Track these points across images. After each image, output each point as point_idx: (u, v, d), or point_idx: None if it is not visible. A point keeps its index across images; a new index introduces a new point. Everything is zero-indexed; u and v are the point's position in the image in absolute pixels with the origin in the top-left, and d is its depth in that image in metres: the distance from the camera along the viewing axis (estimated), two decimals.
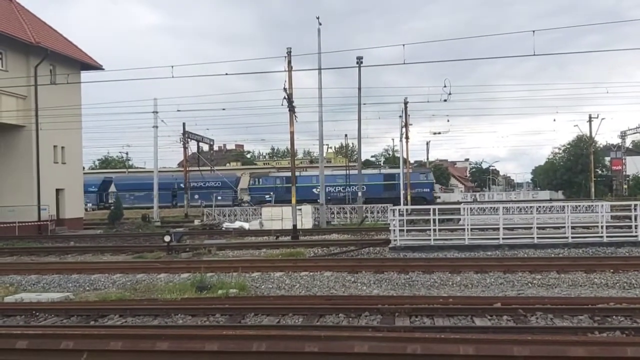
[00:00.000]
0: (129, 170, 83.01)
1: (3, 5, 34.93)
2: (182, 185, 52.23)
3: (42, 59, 33.55)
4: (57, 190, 35.73)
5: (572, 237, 18.74)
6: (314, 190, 47.80)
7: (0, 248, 24.75)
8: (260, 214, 34.71)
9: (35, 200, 33.23)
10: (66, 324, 9.77)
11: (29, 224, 32.35)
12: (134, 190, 57.65)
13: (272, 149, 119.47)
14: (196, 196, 53.57)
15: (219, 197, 51.74)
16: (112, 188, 62.06)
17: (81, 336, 7.27)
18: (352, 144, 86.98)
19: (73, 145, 37.31)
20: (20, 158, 33.56)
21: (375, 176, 54.41)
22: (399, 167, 55.21)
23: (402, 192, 44.54)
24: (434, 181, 57.17)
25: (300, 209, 30.05)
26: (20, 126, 33.22)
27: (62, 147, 36.12)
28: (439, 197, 65.15)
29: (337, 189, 53.66)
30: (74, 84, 34.97)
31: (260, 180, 55.57)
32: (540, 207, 24.50)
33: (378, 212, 38.29)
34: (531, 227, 19.55)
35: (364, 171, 55.18)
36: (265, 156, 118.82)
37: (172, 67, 21.13)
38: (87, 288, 14.13)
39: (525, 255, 17.35)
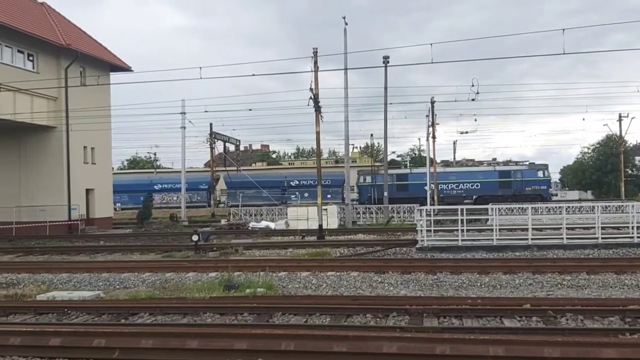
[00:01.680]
0: (157, 170, 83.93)
1: (35, 8, 35.66)
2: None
3: (73, 61, 34.14)
4: (87, 190, 36.34)
5: (602, 238, 18.42)
6: (426, 187, 47.37)
7: (32, 247, 25.27)
8: (286, 214, 34.84)
9: (66, 200, 33.82)
10: (97, 322, 9.93)
11: (60, 223, 32.94)
12: (245, 189, 57.42)
13: (298, 149, 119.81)
14: (306, 194, 53.28)
15: (329, 196, 51.72)
16: (222, 186, 62.04)
17: (113, 334, 7.40)
18: (378, 143, 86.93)
19: (103, 145, 37.89)
20: (51, 158, 34.21)
21: (489, 173, 52.88)
22: (515, 164, 54.51)
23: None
24: (551, 178, 55.07)
25: (325, 209, 30.06)
26: (51, 127, 33.86)
27: (92, 148, 36.73)
28: (556, 195, 62.43)
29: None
30: (103, 85, 35.51)
31: (369, 177, 54.20)
32: (569, 207, 24.14)
33: (404, 212, 38.11)
34: (560, 228, 19.28)
35: (477, 168, 54.53)
36: (290, 156, 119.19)
37: (200, 68, 21.32)
38: (117, 286, 14.35)
39: (555, 256, 17.13)
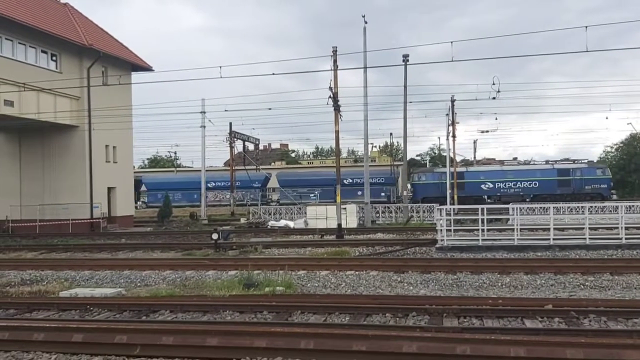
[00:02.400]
0: (177, 169, 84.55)
1: (58, 9, 36.16)
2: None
3: (95, 60, 34.55)
4: (109, 189, 36.77)
5: (626, 238, 18.14)
6: (482, 186, 47.13)
7: (55, 244, 25.63)
8: (305, 213, 34.89)
9: (88, 198, 34.27)
10: (119, 319, 10.03)
11: (82, 221, 33.38)
12: (298, 186, 57.24)
13: (317, 148, 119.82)
14: (359, 192, 52.89)
15: (382, 194, 51.80)
16: (275, 183, 62.17)
17: (134, 331, 7.47)
18: (397, 142, 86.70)
19: (124, 144, 38.32)
20: (74, 157, 34.68)
21: (548, 171, 51.70)
22: (573, 162, 53.45)
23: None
24: (611, 177, 53.53)
25: (344, 208, 30.05)
26: (73, 126, 34.33)
27: (114, 147, 37.17)
28: (614, 194, 61.07)
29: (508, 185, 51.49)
30: (125, 84, 35.88)
31: (424, 176, 53.80)
32: (592, 207, 23.82)
33: (424, 212, 37.95)
34: (583, 228, 19.04)
35: (535, 166, 53.85)
36: (309, 155, 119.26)
37: (220, 67, 21.35)
38: (139, 284, 14.47)
39: (577, 257, 16.91)
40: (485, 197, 49.14)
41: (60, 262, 18.36)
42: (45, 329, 7.80)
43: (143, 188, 63.53)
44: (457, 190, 47.32)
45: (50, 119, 32.28)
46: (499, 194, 48.48)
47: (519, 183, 50.45)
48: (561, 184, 50.04)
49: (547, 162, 55.01)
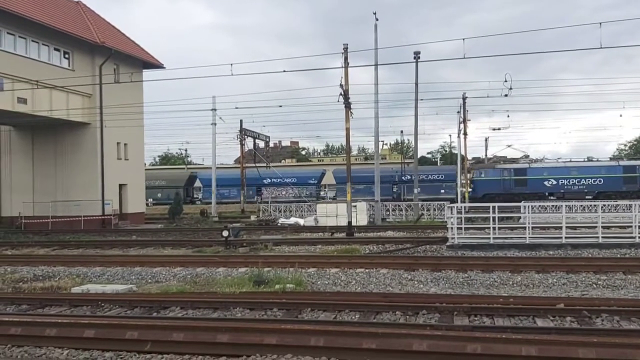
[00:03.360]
0: (188, 166, 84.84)
1: (70, 7, 36.37)
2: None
3: (107, 58, 34.74)
4: (120, 186, 36.97)
5: None
6: (545, 183, 46.24)
7: (67, 241, 25.82)
8: (315, 211, 34.88)
9: (100, 195, 34.49)
10: (130, 315, 10.08)
11: (94, 218, 33.60)
12: (355, 183, 56.59)
13: (327, 145, 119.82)
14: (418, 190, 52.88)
15: (442, 191, 51.43)
16: (331, 180, 61.58)
17: (145, 327, 7.51)
18: (408, 140, 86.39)
19: (135, 142, 38.49)
20: (86, 154, 34.90)
21: (613, 168, 49.85)
22: None
23: (458, 190, 43.50)
24: None
25: (355, 206, 30.01)
26: (85, 123, 34.54)
27: (125, 144, 37.35)
28: None
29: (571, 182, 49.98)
30: (136, 82, 36.03)
31: (486, 172, 51.75)
32: (604, 205, 23.63)
33: (434, 210, 37.81)
34: (595, 226, 18.89)
35: (599, 163, 52.79)
36: (319, 152, 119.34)
37: (232, 65, 21.35)
38: (149, 280, 14.54)
39: (589, 255, 16.78)
40: (547, 193, 47.60)
41: (72, 258, 18.51)
42: (58, 324, 7.87)
43: (197, 184, 63.15)
44: (519, 187, 46.57)
45: (62, 116, 32.47)
46: (562, 191, 47.14)
47: (583, 180, 48.79)
48: (627, 181, 48.39)
49: (611, 158, 53.59)
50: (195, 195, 64.27)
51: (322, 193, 58.44)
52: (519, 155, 60.51)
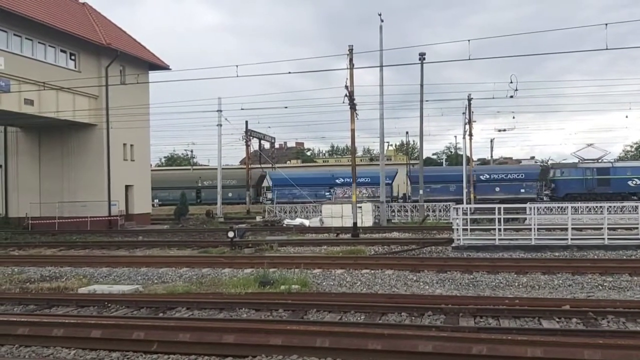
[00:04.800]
0: (194, 168, 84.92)
1: (76, 9, 36.52)
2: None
3: (113, 59, 34.86)
4: (127, 187, 37.09)
5: None
6: (629, 182, 45.12)
7: (73, 241, 25.93)
8: (321, 211, 34.90)
9: (106, 196, 34.62)
10: (136, 316, 10.13)
11: (100, 218, 33.72)
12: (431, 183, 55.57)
13: (332, 146, 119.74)
14: (497, 189, 51.11)
15: (522, 190, 50.42)
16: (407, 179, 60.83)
17: (151, 327, 7.55)
18: (413, 141, 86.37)
19: (141, 143, 38.63)
20: (92, 155, 35.05)
21: None
22: None
23: (464, 191, 43.23)
24: None
25: (360, 207, 30.01)
26: (92, 125, 34.67)
27: (131, 145, 37.49)
28: None
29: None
30: (142, 83, 36.15)
31: (566, 171, 50.68)
32: (610, 207, 23.55)
33: (440, 211, 37.77)
34: (601, 228, 18.84)
35: (630, 163, 51.94)
36: (325, 154, 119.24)
37: (237, 66, 21.39)
38: (156, 281, 14.59)
39: (595, 257, 16.74)
40: (629, 193, 46.44)
41: (78, 258, 18.60)
42: (65, 324, 7.91)
43: (266, 183, 60.63)
44: (602, 187, 45.73)
45: (69, 118, 32.62)
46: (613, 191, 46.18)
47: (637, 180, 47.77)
48: None
49: None
50: (265, 195, 60.73)
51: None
52: (525, 156, 59.65)
